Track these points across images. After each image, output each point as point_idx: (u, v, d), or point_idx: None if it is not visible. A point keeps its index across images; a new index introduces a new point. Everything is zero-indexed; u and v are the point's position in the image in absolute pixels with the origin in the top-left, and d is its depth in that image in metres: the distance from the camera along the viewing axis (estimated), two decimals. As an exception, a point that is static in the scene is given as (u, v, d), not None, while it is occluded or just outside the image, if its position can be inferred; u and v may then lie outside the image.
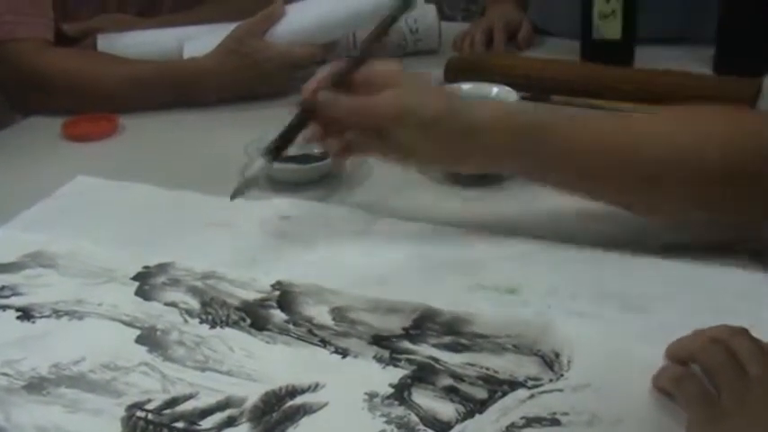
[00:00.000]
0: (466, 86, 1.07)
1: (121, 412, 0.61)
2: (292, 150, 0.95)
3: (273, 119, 0.89)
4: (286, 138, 0.77)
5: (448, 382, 0.62)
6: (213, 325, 0.70)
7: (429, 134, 0.73)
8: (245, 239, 0.81)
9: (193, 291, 0.74)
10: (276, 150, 0.77)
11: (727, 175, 0.70)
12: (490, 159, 0.75)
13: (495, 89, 1.06)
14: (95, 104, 1.09)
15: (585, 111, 1.05)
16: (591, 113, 0.83)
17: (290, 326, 0.69)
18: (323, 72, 0.77)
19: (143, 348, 0.67)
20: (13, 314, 0.72)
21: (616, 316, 0.68)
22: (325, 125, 0.76)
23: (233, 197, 0.76)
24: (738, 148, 0.71)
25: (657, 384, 0.60)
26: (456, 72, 1.15)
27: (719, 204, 0.72)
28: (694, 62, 1.14)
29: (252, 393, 0.62)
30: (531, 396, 0.60)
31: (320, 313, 0.70)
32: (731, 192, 0.71)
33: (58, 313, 0.72)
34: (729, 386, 0.56)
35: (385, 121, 0.74)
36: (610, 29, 1.14)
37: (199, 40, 1.13)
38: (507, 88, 1.05)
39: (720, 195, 0.71)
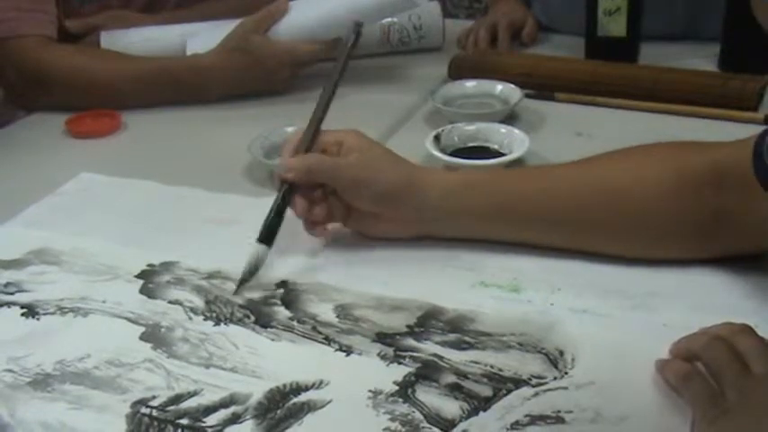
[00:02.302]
0: (470, 83, 1.08)
1: (126, 409, 0.61)
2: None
3: (276, 116, 0.89)
4: (276, 219, 0.75)
5: (452, 379, 0.62)
6: (217, 322, 0.70)
7: (383, 207, 0.75)
8: (249, 237, 0.80)
9: (198, 290, 0.74)
10: (270, 235, 0.75)
11: (669, 213, 0.71)
12: (443, 231, 0.77)
13: (499, 86, 1.06)
14: (98, 101, 1.09)
15: (588, 108, 1.05)
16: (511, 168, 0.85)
17: (295, 323, 0.69)
18: (288, 144, 0.77)
19: (147, 345, 0.67)
20: (17, 311, 0.72)
21: (620, 314, 0.68)
22: (309, 198, 0.76)
23: (238, 288, 0.73)
24: (676, 181, 0.71)
25: (663, 376, 0.60)
26: (460, 69, 1.15)
27: (671, 244, 0.72)
28: (700, 60, 1.14)
29: (256, 390, 0.62)
30: (536, 394, 0.60)
31: (324, 311, 0.70)
32: (678, 228, 0.71)
33: (62, 310, 0.72)
34: (733, 384, 0.56)
35: (341, 186, 0.75)
36: (615, 26, 1.14)
37: (202, 37, 1.13)
38: (511, 86, 1.05)
39: (671, 235, 0.72)
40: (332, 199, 0.76)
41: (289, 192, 0.76)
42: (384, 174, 0.75)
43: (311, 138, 0.77)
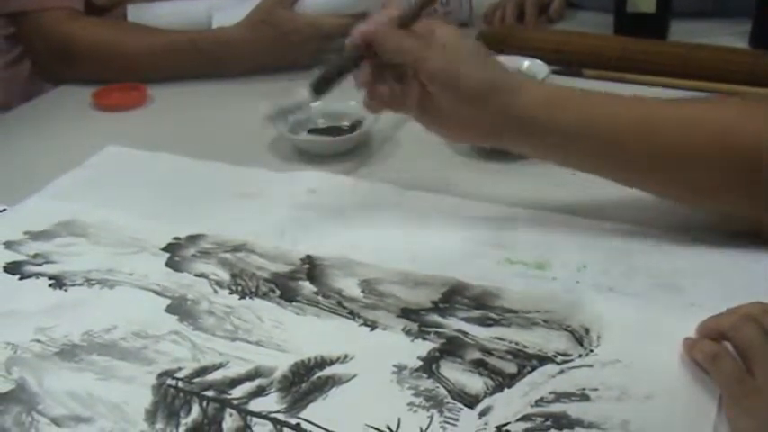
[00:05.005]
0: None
1: (152, 380, 0.61)
2: (321, 122, 0.95)
3: (303, 90, 0.88)
4: (335, 73, 0.72)
5: (477, 355, 0.62)
6: (243, 296, 0.70)
7: (465, 107, 0.71)
8: (274, 211, 0.81)
9: (223, 263, 0.74)
10: (324, 84, 0.72)
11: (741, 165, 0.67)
12: (524, 144, 0.73)
13: (526, 62, 1.05)
14: (124, 74, 1.10)
15: (617, 85, 1.04)
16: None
17: (320, 297, 0.69)
18: (382, 14, 0.72)
19: (173, 317, 0.68)
20: (45, 282, 0.73)
21: (646, 292, 0.67)
22: (376, 72, 0.72)
23: (312, 96, 0.73)
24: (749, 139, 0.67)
25: (690, 356, 0.59)
26: (487, 45, 1.13)
27: (740, 194, 0.69)
28: (730, 36, 1.13)
29: (281, 364, 0.62)
30: (561, 371, 0.60)
31: (349, 285, 0.70)
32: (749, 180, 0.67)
33: (89, 281, 0.73)
34: (761, 364, 0.55)
35: (429, 77, 0.70)
36: (644, 2, 1.12)
37: (228, 11, 1.13)
38: (539, 62, 1.04)
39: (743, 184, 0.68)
40: (407, 86, 0.72)
41: (357, 58, 0.71)
42: (469, 70, 0.70)
43: (413, 16, 0.71)
